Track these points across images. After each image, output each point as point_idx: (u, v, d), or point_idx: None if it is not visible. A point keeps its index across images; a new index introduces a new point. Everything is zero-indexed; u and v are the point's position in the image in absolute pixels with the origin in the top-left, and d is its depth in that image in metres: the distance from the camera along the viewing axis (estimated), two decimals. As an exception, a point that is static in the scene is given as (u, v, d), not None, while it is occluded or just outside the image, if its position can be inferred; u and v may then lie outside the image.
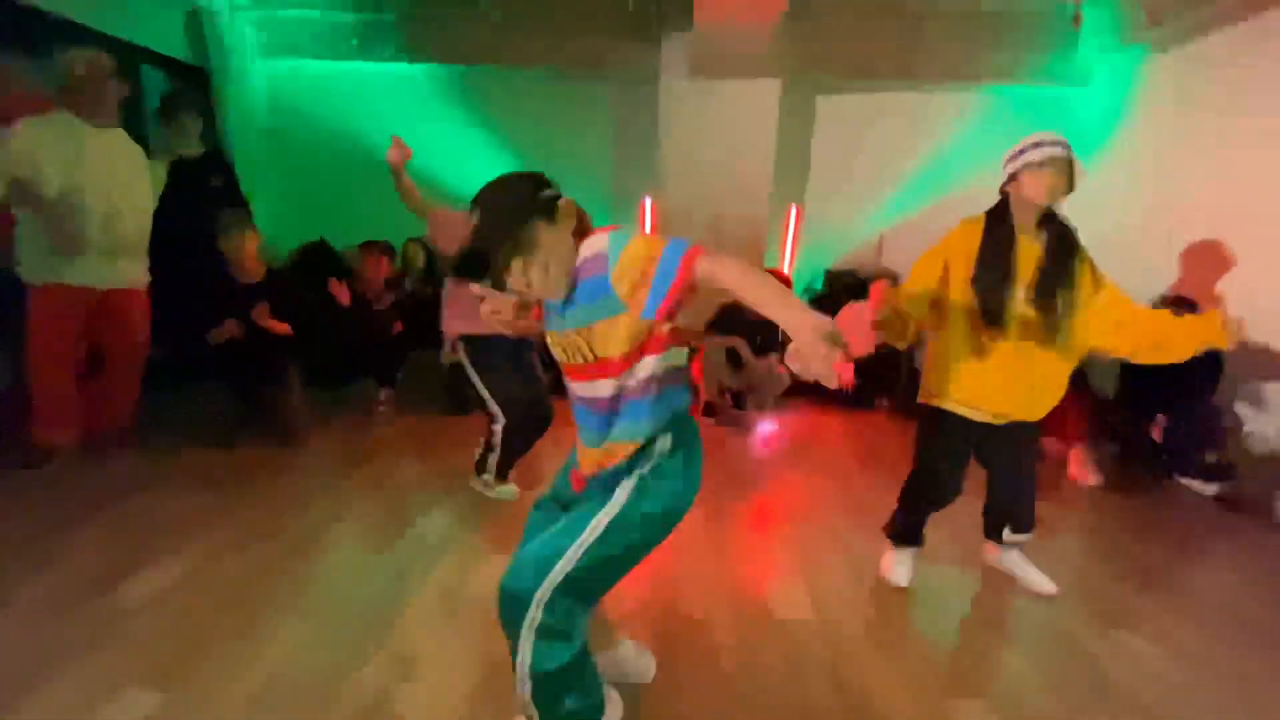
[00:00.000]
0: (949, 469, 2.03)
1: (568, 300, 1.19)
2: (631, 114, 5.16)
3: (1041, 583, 2.12)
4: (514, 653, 1.19)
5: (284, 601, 1.84)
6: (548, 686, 1.18)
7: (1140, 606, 2.12)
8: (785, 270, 5.04)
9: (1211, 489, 3.11)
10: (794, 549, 2.40)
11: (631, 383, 1.19)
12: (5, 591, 1.79)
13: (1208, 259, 3.39)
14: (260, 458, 2.88)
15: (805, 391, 4.47)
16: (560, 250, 1.17)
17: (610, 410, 1.21)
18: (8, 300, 2.82)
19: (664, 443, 1.23)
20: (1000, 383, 1.89)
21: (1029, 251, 1.85)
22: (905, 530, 2.15)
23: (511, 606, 1.18)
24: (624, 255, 1.09)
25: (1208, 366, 3.20)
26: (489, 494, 2.61)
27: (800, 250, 5.26)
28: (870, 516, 2.37)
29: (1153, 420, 3.17)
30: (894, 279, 4.90)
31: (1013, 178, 1.86)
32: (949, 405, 1.96)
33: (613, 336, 1.16)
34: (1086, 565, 2.44)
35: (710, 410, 4.10)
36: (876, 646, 1.82)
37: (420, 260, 4.42)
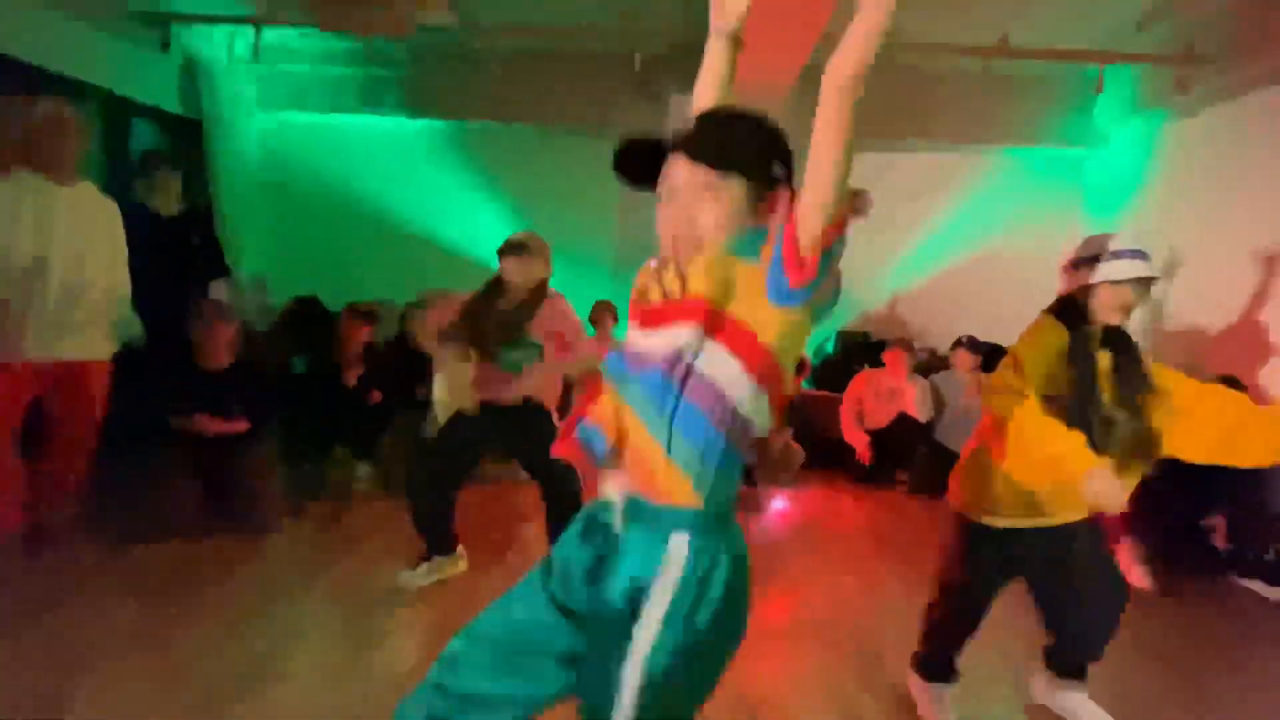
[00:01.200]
0: (979, 597, 1.78)
1: None
2: (636, 172, 5.04)
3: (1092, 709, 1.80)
4: None
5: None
6: None
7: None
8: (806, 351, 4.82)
9: (1278, 593, 2.79)
10: (818, 671, 2.08)
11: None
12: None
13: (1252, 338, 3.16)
14: (218, 549, 2.58)
15: (818, 464, 4.19)
16: None
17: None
18: None
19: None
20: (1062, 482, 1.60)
21: (1102, 359, 1.62)
22: (936, 671, 1.85)
23: None
24: None
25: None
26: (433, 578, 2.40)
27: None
28: (899, 619, 2.07)
29: (1210, 513, 2.87)
30: (909, 344, 4.71)
31: (1086, 286, 1.63)
32: (1009, 522, 1.69)
33: None
34: (1134, 686, 2.11)
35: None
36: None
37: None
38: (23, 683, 1.71)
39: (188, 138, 4.44)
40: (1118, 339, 1.65)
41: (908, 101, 4.70)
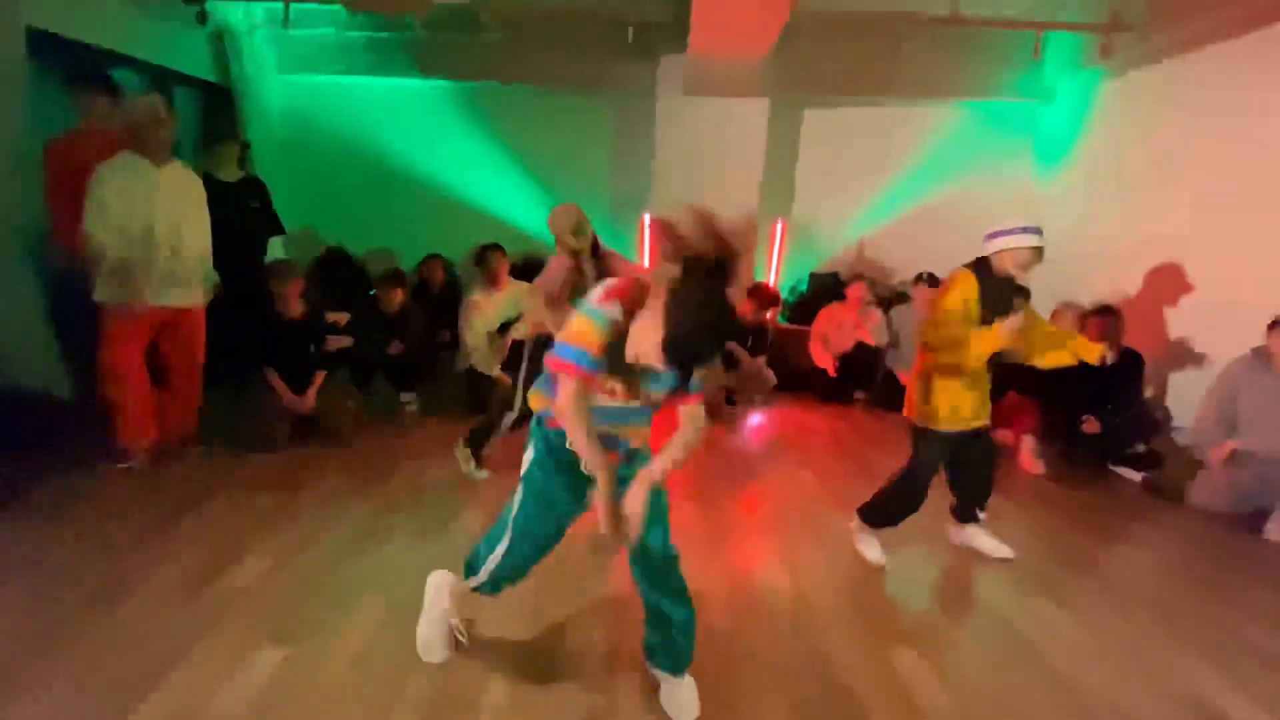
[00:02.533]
0: (930, 479, 2.51)
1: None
2: (629, 128, 5.52)
3: (999, 549, 2.60)
4: (679, 596, 1.69)
5: (360, 582, 2.26)
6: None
7: (1064, 581, 2.58)
8: (770, 281, 5.43)
9: (1139, 477, 3.58)
10: (777, 533, 2.85)
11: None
12: (134, 584, 2.19)
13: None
14: (308, 460, 3.28)
15: (790, 389, 4.91)
16: None
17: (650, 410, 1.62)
18: (78, 320, 3.20)
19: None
20: (979, 399, 2.43)
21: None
22: (881, 524, 2.60)
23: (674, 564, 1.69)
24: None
25: (1135, 370, 3.67)
26: (464, 468, 3.12)
27: (788, 254, 5.66)
28: (846, 503, 2.79)
29: (1090, 415, 3.62)
30: (871, 281, 5.34)
31: (999, 251, 2.30)
32: (944, 427, 2.41)
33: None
34: (1024, 544, 2.89)
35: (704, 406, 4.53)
36: (839, 613, 2.26)
37: (439, 276, 4.77)
38: (185, 561, 2.36)
39: (223, 105, 4.88)
40: (1015, 288, 2.34)
41: (873, 60, 5.17)
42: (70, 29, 3.75)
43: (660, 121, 5.34)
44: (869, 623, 2.22)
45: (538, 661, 1.92)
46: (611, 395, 1.55)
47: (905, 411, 2.54)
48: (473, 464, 3.15)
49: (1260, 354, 3.09)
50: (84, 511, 2.64)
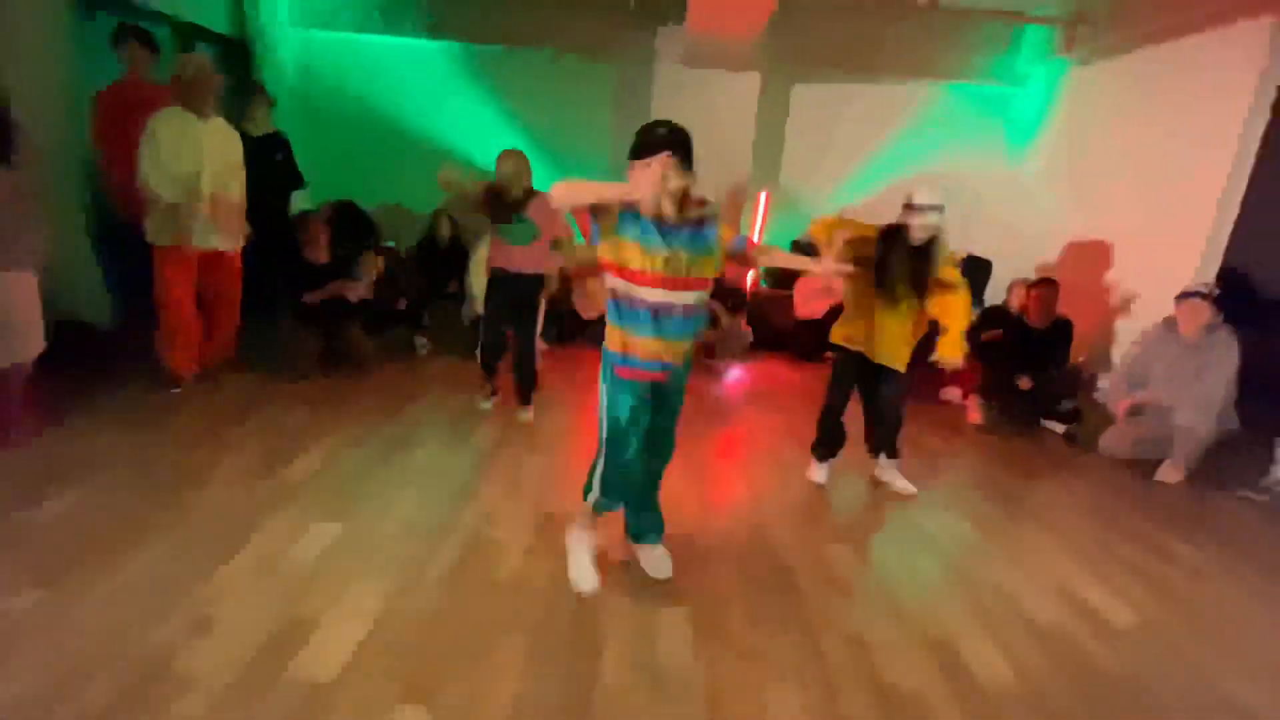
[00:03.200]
0: (847, 388, 3.01)
1: (680, 230, 1.88)
2: (628, 94, 5.82)
3: (906, 487, 3.08)
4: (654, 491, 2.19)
5: (398, 478, 2.72)
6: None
7: (980, 507, 3.09)
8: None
9: (1061, 429, 4.09)
10: (744, 465, 3.33)
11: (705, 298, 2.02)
12: (203, 476, 2.63)
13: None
14: (336, 386, 3.70)
15: (767, 347, 5.36)
16: (692, 187, 1.93)
17: (693, 314, 1.99)
18: (128, 257, 3.56)
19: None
20: (863, 330, 2.88)
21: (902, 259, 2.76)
22: (823, 447, 3.08)
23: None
24: (723, 228, 2.01)
25: (1066, 336, 4.15)
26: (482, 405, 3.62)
27: (773, 223, 6.05)
28: (806, 442, 3.26)
29: (1022, 374, 4.11)
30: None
31: (906, 219, 2.72)
32: (853, 346, 2.88)
33: (707, 266, 1.96)
34: (954, 481, 3.40)
35: (688, 359, 4.98)
36: (787, 518, 2.75)
37: (446, 229, 5.10)
38: (244, 460, 2.80)
39: (239, 58, 5.13)
40: (918, 248, 2.76)
41: (859, 40, 5.49)
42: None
43: (657, 89, 5.66)
44: (811, 526, 2.72)
45: (550, 545, 2.40)
46: (655, 283, 1.88)
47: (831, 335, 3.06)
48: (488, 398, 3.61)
49: (1170, 323, 3.56)
50: (144, 422, 3.04)
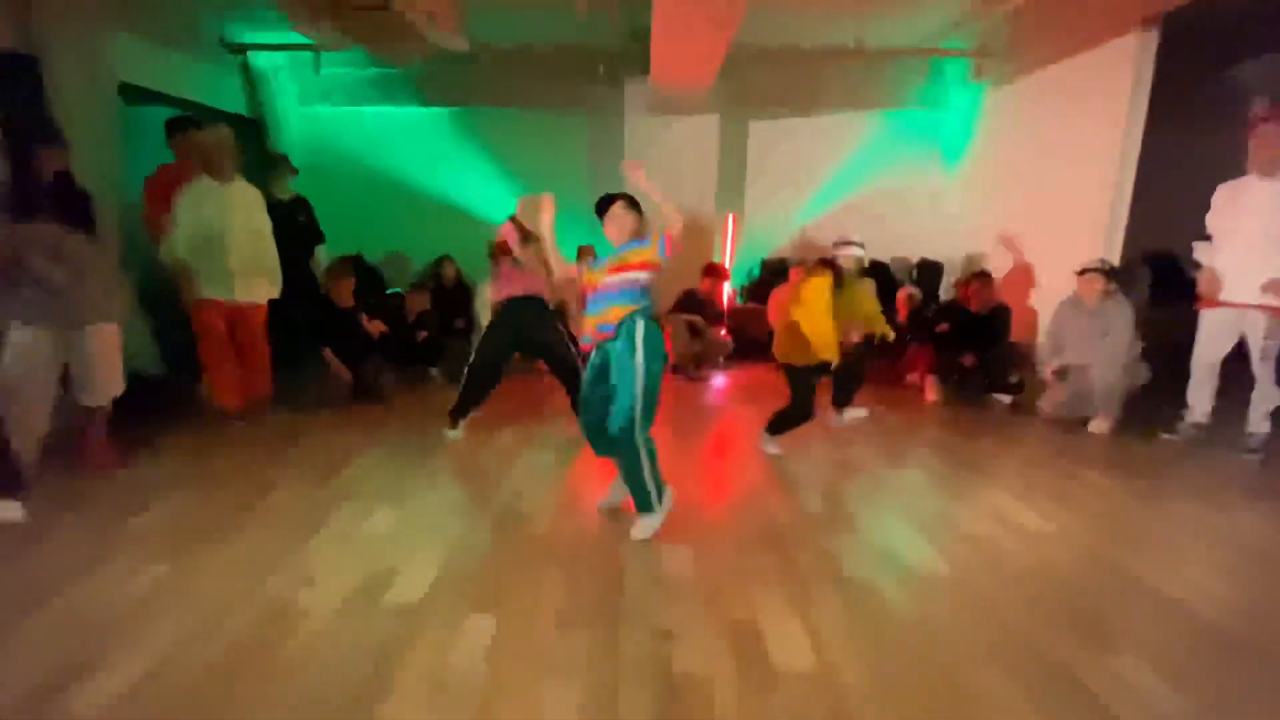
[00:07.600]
0: (812, 397, 3.55)
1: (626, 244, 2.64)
2: (602, 143, 6.50)
3: (858, 412, 3.75)
4: (631, 467, 2.59)
5: (433, 476, 3.21)
6: (655, 470, 2.60)
7: (932, 461, 3.62)
8: (727, 265, 6.45)
9: (1008, 399, 4.66)
10: (726, 458, 3.85)
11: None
12: (274, 484, 3.10)
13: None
14: (358, 416, 4.19)
15: (749, 356, 5.93)
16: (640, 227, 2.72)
17: (618, 290, 2.57)
18: (164, 312, 4.06)
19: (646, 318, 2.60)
20: (832, 343, 3.44)
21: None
22: (784, 431, 3.62)
23: (625, 440, 2.56)
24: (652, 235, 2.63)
25: (1003, 319, 4.76)
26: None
27: (741, 246, 6.70)
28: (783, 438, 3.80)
29: (970, 353, 4.70)
30: (808, 264, 6.34)
31: (836, 256, 3.46)
32: (810, 361, 3.44)
33: (635, 258, 2.59)
34: (914, 447, 3.93)
35: (677, 369, 5.52)
36: (760, 478, 3.26)
37: (450, 273, 5.68)
38: (305, 470, 3.28)
39: (253, 134, 5.76)
40: (849, 279, 3.43)
41: (801, 81, 6.24)
42: (146, 79, 4.62)
43: (628, 137, 6.34)
44: (781, 482, 3.24)
45: (573, 511, 2.90)
46: (597, 287, 2.62)
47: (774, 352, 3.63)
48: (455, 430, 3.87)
49: (1075, 297, 4.18)
50: (204, 452, 3.52)
